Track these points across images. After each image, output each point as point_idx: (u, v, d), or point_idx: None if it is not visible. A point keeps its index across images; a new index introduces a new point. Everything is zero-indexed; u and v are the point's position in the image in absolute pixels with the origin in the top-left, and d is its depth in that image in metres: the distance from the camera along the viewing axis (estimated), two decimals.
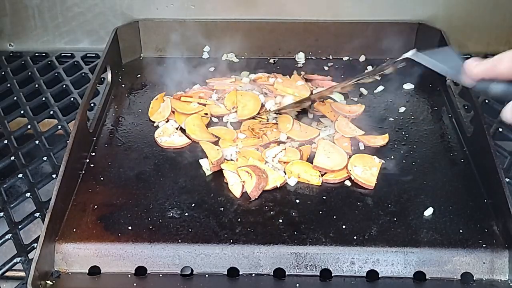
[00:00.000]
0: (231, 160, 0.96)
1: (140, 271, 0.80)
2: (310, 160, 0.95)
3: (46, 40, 1.31)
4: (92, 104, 1.07)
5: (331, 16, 1.25)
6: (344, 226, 0.84)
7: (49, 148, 1.03)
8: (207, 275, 0.80)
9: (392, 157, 0.96)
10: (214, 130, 1.02)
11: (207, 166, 0.94)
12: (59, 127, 1.08)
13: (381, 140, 1.00)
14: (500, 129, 1.06)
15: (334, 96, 1.10)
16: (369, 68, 1.21)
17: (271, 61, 1.25)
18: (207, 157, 0.96)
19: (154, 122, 1.05)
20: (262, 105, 1.07)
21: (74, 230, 0.83)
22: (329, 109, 1.07)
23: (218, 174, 0.93)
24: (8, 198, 0.94)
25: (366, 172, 0.93)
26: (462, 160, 0.96)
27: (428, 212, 0.86)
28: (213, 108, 1.06)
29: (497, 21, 1.26)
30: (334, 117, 1.05)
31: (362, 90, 1.13)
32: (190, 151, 0.99)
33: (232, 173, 0.91)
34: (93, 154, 0.98)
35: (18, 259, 0.84)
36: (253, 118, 1.05)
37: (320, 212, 0.86)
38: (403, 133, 1.02)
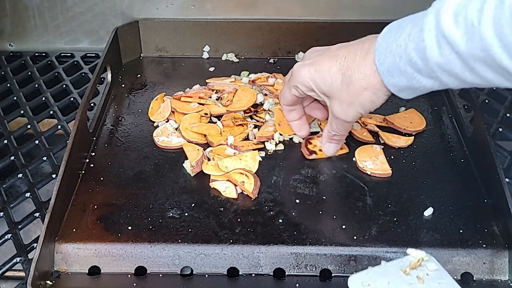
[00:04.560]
0: (211, 160, 0.94)
1: (140, 271, 0.80)
2: None
3: (46, 40, 1.31)
4: (92, 104, 1.07)
5: (331, 16, 1.24)
6: (344, 226, 0.83)
7: (49, 148, 1.03)
8: (207, 275, 0.80)
9: (392, 157, 0.96)
10: (195, 128, 1.00)
11: (189, 168, 0.93)
12: (59, 127, 1.08)
13: (402, 142, 0.99)
14: (500, 129, 1.05)
15: None
16: None
17: (271, 61, 1.24)
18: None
19: (154, 122, 1.05)
20: (261, 104, 1.07)
21: (74, 230, 0.83)
22: None
23: None
24: (8, 198, 0.94)
25: (377, 163, 0.93)
26: (462, 160, 0.96)
27: (428, 212, 0.85)
28: (213, 108, 1.06)
29: None
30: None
31: None
32: None
33: (218, 182, 0.90)
34: (93, 154, 0.98)
35: (18, 259, 0.84)
36: (250, 117, 1.05)
37: (320, 212, 0.86)
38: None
